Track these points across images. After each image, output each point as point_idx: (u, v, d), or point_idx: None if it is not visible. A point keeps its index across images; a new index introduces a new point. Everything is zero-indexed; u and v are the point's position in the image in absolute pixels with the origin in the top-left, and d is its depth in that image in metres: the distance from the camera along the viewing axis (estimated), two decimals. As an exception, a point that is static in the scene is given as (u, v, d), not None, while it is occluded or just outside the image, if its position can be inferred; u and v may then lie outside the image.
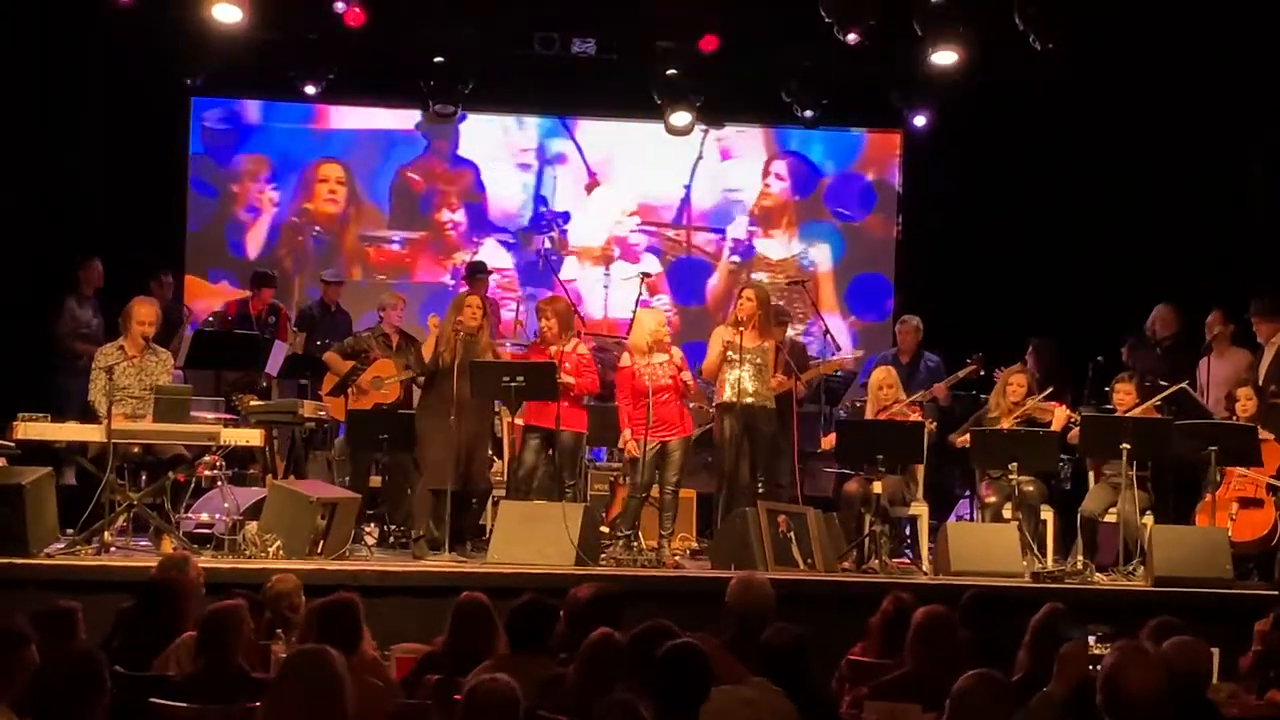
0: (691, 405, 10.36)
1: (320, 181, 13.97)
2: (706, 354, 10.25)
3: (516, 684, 4.43)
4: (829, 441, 10.52)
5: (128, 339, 9.49)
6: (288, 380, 11.86)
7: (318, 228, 13.97)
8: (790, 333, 12.28)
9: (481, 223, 14.20)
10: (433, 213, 14.18)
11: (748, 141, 14.45)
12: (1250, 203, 12.12)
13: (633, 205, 14.36)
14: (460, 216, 14.20)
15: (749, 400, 9.92)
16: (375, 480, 10.42)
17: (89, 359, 9.67)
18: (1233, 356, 11.06)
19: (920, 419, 10.41)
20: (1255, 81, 11.84)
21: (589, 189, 14.32)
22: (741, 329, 9.91)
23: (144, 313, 9.55)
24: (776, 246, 14.43)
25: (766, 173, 14.48)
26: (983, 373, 11.13)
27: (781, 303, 12.79)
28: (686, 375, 9.88)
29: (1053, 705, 4.98)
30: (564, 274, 13.61)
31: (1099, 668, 4.53)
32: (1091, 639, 4.70)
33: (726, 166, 14.44)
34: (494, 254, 13.93)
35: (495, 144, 14.23)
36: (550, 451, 9.86)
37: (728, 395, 9.97)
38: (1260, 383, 10.50)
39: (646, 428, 9.64)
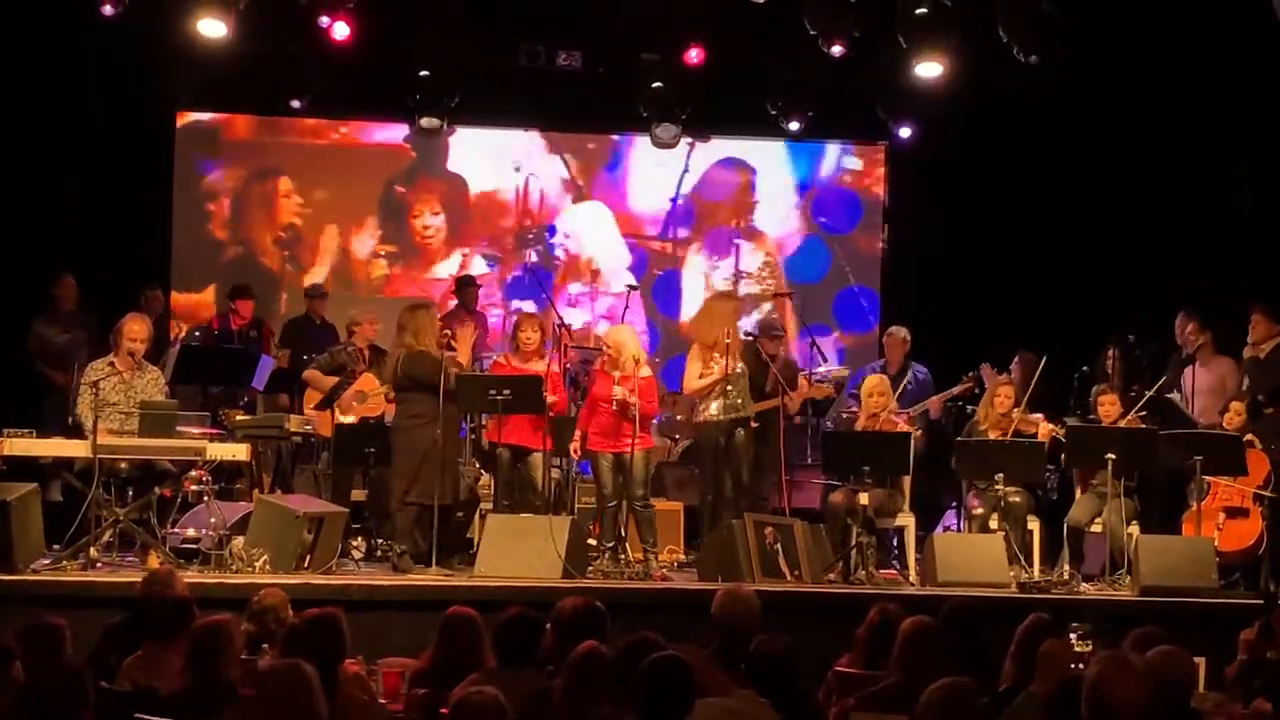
0: (676, 418, 10.32)
1: (283, 196, 13.94)
2: (685, 371, 10.27)
3: (502, 696, 4.44)
4: None
5: (118, 355, 9.48)
6: (273, 395, 11.85)
7: (297, 240, 13.97)
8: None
9: (469, 235, 14.21)
10: (421, 226, 14.18)
11: (733, 154, 14.46)
12: (1240, 208, 12.12)
13: (619, 218, 14.37)
14: (448, 229, 14.20)
15: (732, 416, 9.97)
16: (357, 494, 10.40)
17: (56, 379, 9.62)
18: (1217, 365, 11.02)
19: (908, 428, 10.42)
20: (1243, 89, 11.85)
21: (575, 202, 14.34)
22: (728, 342, 9.94)
23: (135, 330, 9.53)
24: (762, 259, 14.45)
25: (752, 185, 14.50)
26: (977, 390, 11.13)
27: (776, 316, 12.80)
28: (625, 394, 9.58)
29: (1036, 704, 4.99)
30: (549, 287, 13.60)
31: (1081, 665, 4.54)
32: (1073, 636, 4.73)
33: (712, 179, 14.45)
34: (481, 267, 13.93)
35: (482, 157, 14.23)
36: (518, 467, 9.92)
37: (712, 411, 10.02)
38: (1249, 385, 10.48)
39: (607, 438, 9.73)
